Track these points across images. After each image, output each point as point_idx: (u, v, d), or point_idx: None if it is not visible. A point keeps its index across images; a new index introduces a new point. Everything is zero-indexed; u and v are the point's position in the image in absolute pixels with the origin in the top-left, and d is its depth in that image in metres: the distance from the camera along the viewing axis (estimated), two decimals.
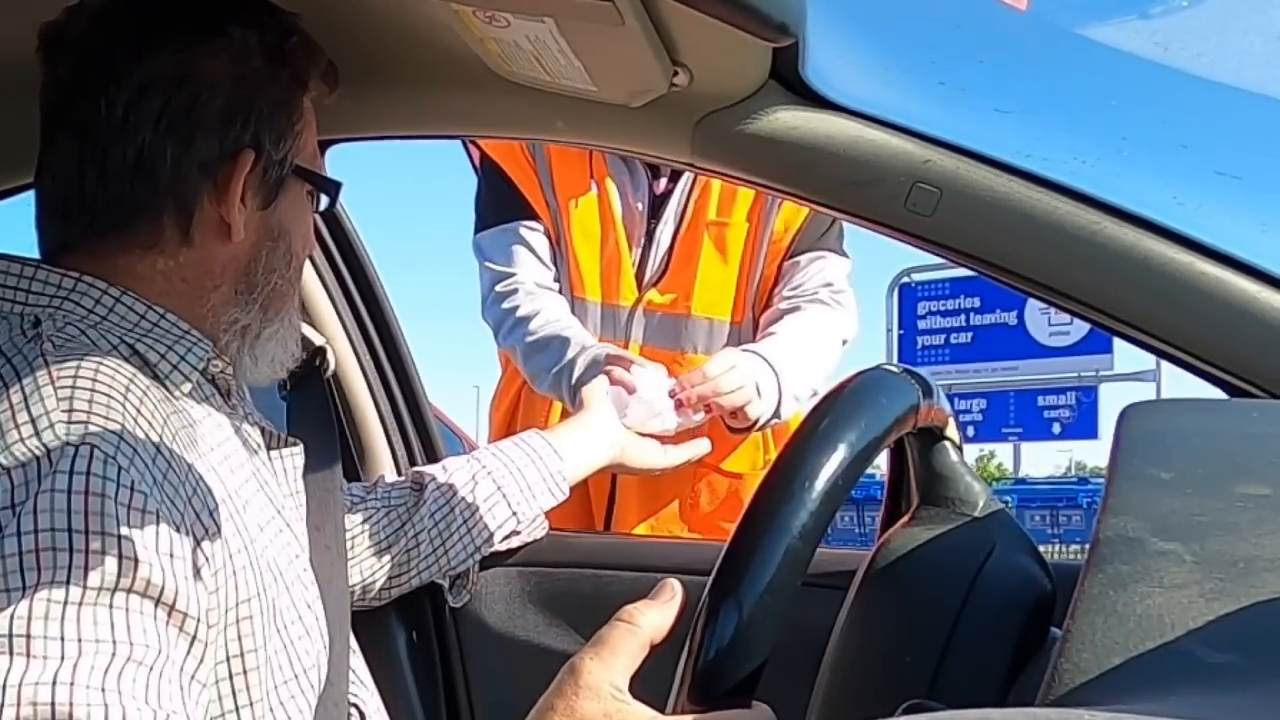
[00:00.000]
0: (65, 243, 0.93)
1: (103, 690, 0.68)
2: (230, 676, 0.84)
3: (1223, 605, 0.49)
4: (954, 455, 0.88)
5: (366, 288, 1.57)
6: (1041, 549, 0.88)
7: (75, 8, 0.94)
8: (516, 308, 1.98)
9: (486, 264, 2.03)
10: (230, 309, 0.96)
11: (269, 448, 1.03)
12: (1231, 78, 1.16)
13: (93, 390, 0.79)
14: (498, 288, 2.00)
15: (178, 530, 0.77)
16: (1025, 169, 1.03)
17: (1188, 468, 0.61)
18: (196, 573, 0.78)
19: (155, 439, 0.80)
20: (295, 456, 1.06)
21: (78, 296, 0.89)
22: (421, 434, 1.73)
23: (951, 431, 0.89)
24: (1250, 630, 0.48)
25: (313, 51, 1.00)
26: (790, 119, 1.06)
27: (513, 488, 1.37)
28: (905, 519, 0.88)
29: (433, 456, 1.73)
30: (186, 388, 0.90)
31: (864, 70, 1.19)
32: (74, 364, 0.80)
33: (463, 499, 1.35)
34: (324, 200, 1.04)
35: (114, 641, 0.70)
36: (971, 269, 1.09)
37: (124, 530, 0.73)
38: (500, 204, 2.01)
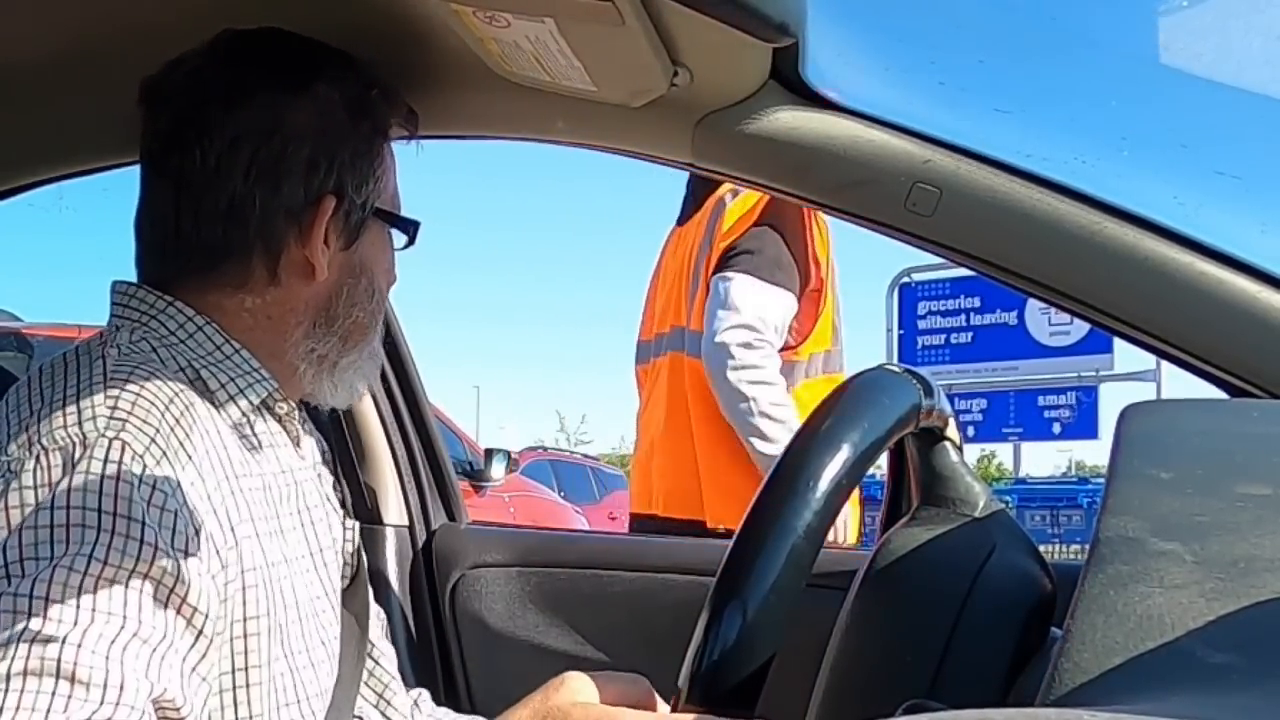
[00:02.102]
0: (161, 280, 0.99)
1: (106, 658, 0.74)
2: (234, 688, 0.89)
3: (1223, 605, 0.49)
4: (954, 455, 0.88)
5: None
6: (1041, 549, 0.88)
7: (173, 63, 1.00)
8: (768, 368, 2.23)
9: (742, 304, 2.22)
10: (309, 340, 1.02)
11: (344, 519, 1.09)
12: (1231, 78, 1.17)
13: (138, 396, 0.86)
14: (753, 337, 2.22)
15: (197, 533, 0.84)
16: (1025, 169, 1.03)
17: (1188, 468, 0.61)
18: (211, 575, 0.84)
19: (188, 450, 0.87)
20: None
21: (164, 318, 0.96)
22: (421, 434, 1.73)
23: (952, 432, 0.89)
24: (1250, 630, 0.48)
25: (393, 101, 1.06)
26: (790, 119, 1.06)
27: None
28: (905, 519, 0.88)
29: (433, 456, 1.73)
30: (237, 416, 0.96)
31: (864, 70, 1.19)
32: (128, 371, 0.89)
33: None
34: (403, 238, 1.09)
35: (124, 617, 0.76)
36: (971, 269, 1.09)
37: (147, 521, 0.80)
38: (782, 265, 2.27)
